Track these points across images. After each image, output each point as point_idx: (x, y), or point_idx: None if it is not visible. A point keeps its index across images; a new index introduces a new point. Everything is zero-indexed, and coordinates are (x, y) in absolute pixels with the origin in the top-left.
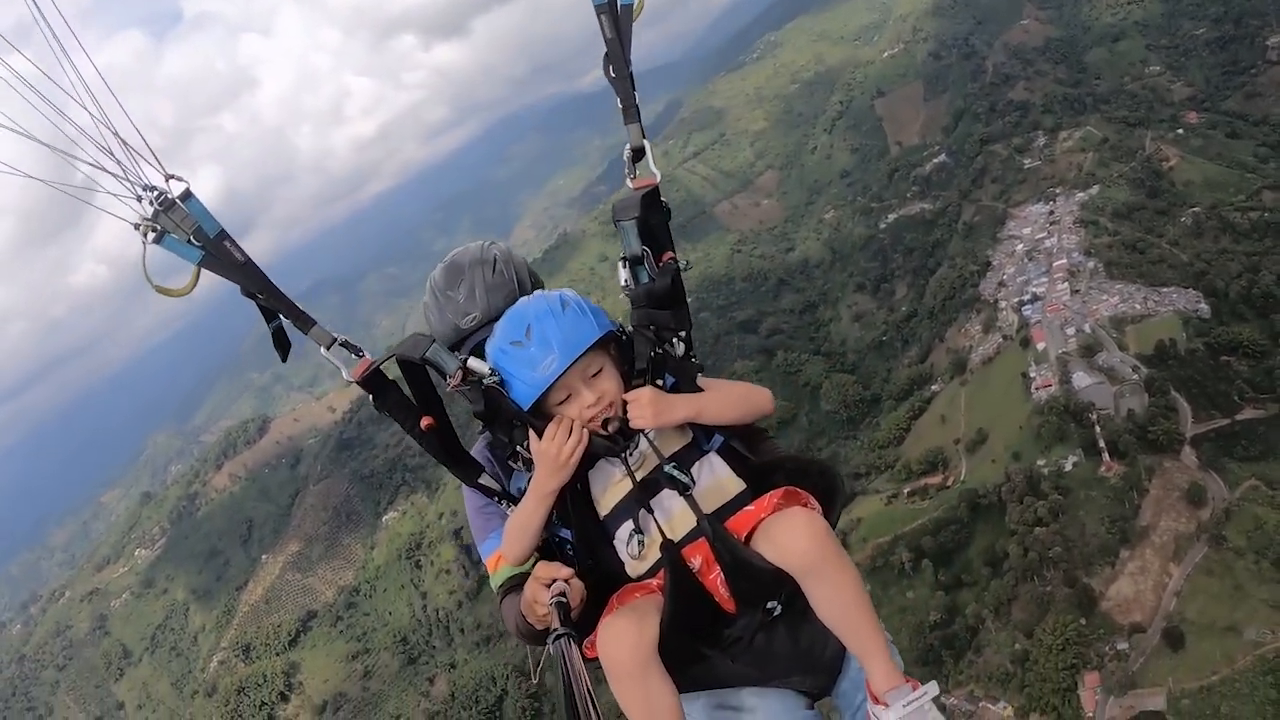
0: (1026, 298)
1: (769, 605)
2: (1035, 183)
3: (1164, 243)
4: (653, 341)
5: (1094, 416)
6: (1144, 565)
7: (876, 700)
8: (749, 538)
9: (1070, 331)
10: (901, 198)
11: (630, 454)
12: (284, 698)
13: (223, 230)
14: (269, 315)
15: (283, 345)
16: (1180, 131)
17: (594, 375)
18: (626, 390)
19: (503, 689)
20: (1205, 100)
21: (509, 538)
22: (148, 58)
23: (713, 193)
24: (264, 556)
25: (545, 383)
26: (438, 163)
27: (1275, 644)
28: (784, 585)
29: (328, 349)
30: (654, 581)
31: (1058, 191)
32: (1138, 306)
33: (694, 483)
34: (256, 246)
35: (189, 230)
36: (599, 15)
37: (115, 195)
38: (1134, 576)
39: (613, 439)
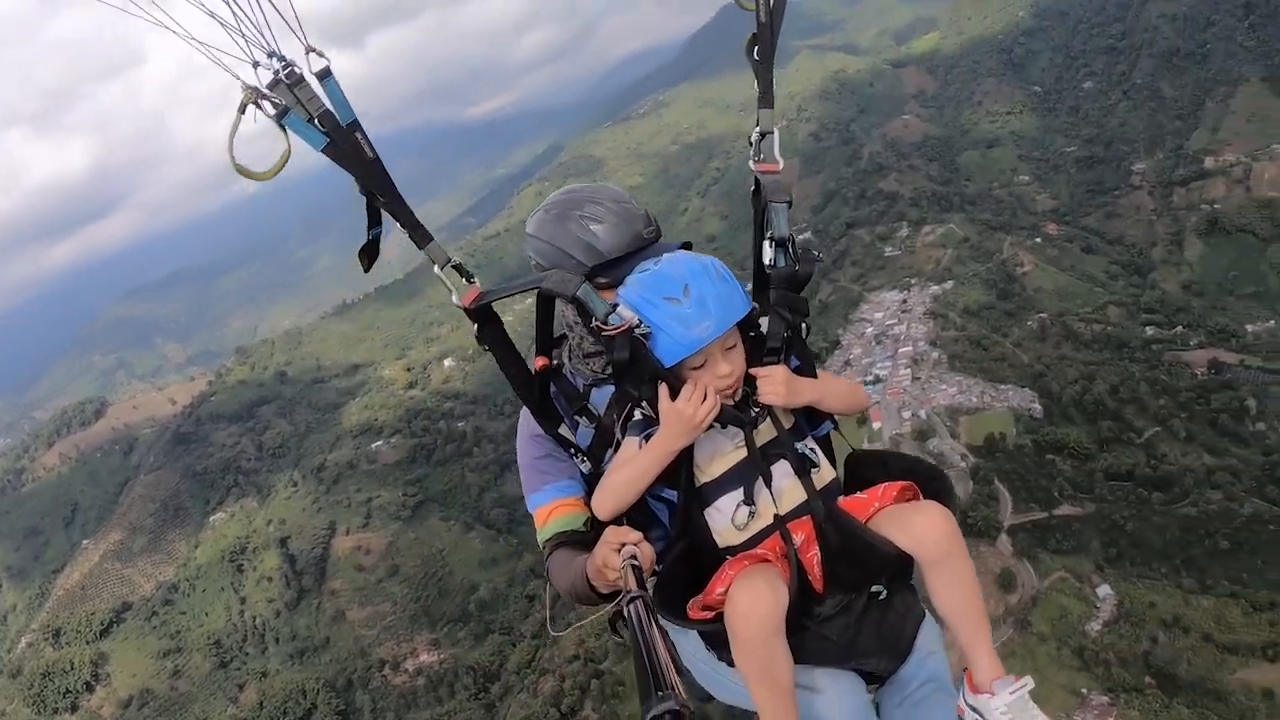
0: (869, 379)
1: (874, 589)
2: (893, 271)
3: (1008, 343)
4: (786, 322)
5: None
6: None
7: (978, 690)
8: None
9: (907, 415)
10: None
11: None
12: (89, 688)
13: (356, 120)
14: (373, 220)
15: (371, 255)
16: (1039, 240)
17: (730, 348)
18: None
19: (312, 703)
20: (1067, 214)
21: (611, 493)
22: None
23: None
24: (85, 542)
25: (697, 344)
26: (313, 170)
27: None
28: (888, 570)
29: (441, 269)
30: (759, 552)
31: (913, 282)
32: (974, 399)
33: (817, 463)
34: (121, 227)
35: (314, 112)
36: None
37: (233, 57)
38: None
39: (742, 410)
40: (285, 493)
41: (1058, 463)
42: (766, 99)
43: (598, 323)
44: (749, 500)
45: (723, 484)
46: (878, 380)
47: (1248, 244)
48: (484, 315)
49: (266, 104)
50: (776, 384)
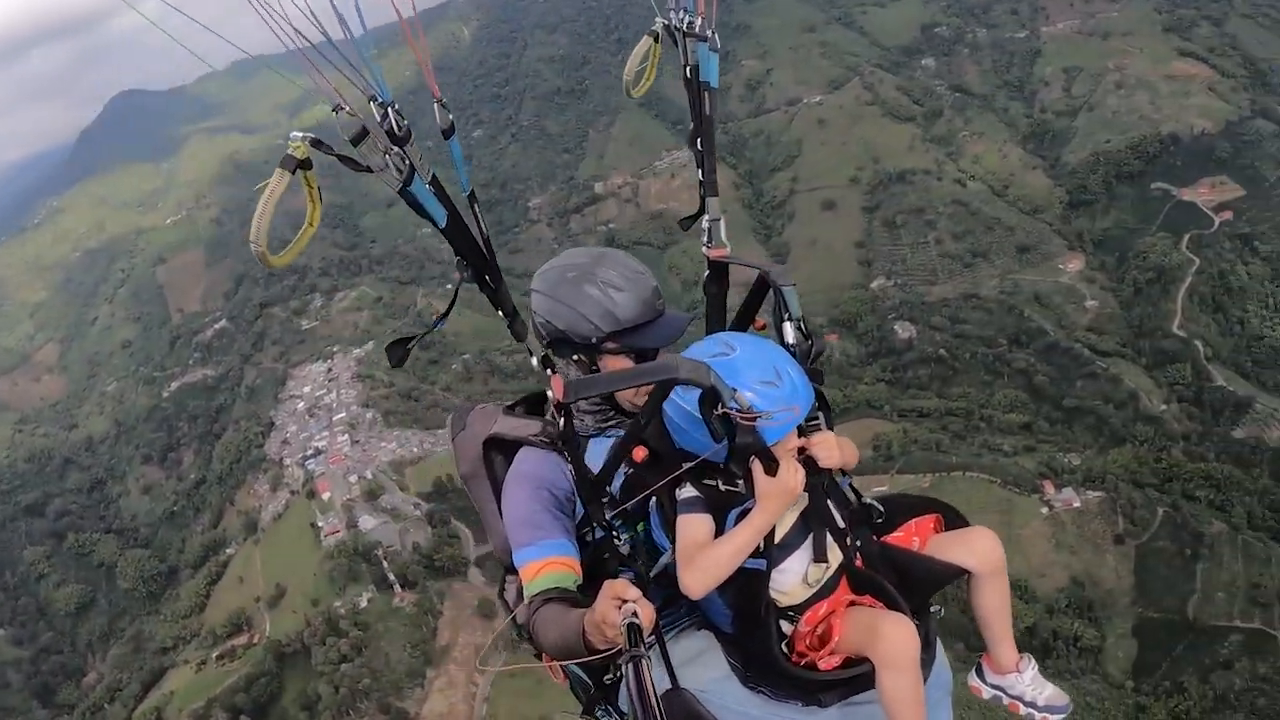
0: (310, 452)
1: (933, 608)
2: (314, 343)
3: (437, 389)
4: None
5: (381, 553)
6: (451, 680)
7: (1003, 671)
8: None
9: (353, 479)
10: (184, 365)
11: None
12: None
13: (473, 190)
14: (445, 312)
15: (404, 354)
16: (449, 287)
17: None
18: None
19: None
20: None
21: (709, 571)
22: None
23: None
24: None
25: (795, 424)
26: None
27: None
28: (943, 588)
29: (538, 361)
30: (848, 597)
31: (335, 350)
32: (415, 449)
33: (883, 514)
34: None
35: (424, 177)
36: (702, 93)
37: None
38: (444, 692)
39: (813, 475)
40: None
41: None
42: (712, 187)
43: (730, 410)
44: (821, 557)
45: (787, 547)
46: (319, 453)
47: (647, 254)
48: (570, 412)
49: (382, 158)
50: (832, 449)
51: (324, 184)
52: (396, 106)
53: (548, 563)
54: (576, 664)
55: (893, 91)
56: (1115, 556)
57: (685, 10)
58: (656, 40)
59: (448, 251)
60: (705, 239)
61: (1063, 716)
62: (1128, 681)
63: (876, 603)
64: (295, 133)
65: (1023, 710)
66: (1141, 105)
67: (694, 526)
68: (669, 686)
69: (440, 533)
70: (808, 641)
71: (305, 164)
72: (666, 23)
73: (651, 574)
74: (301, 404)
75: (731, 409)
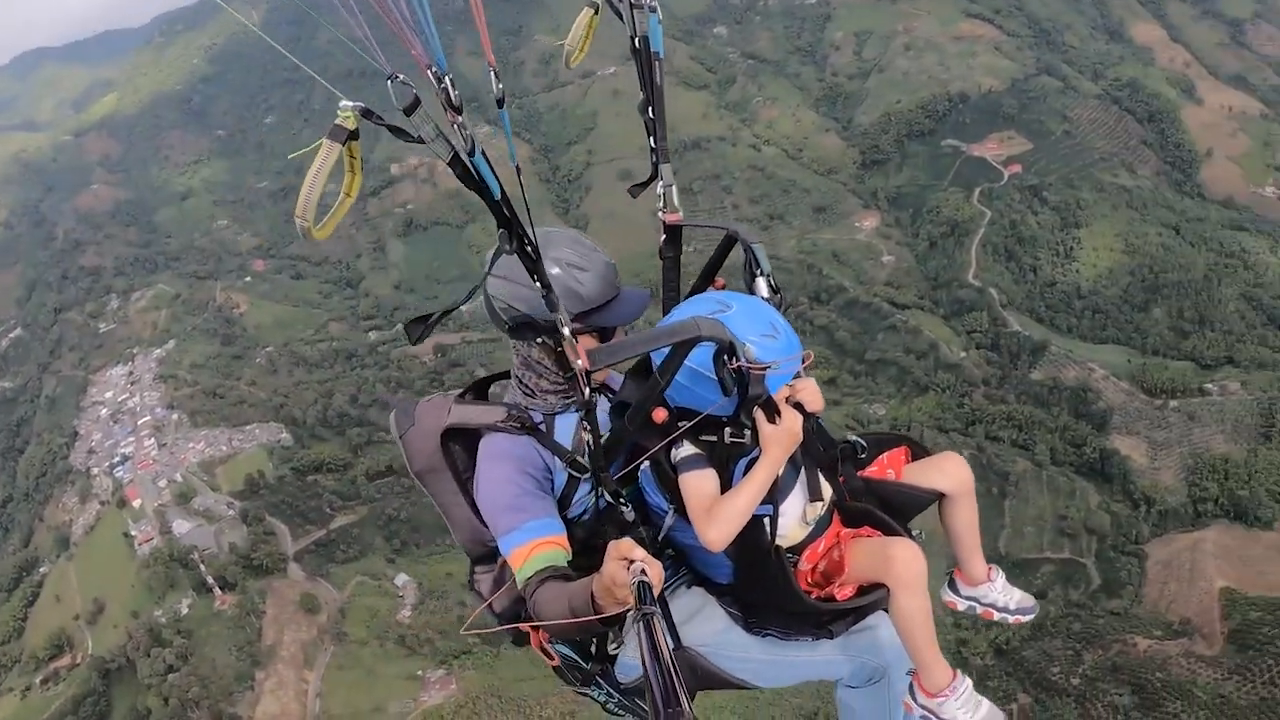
0: (117, 460)
1: (914, 532)
2: (113, 346)
3: (242, 384)
4: None
5: (198, 557)
6: (281, 680)
7: (975, 583)
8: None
9: (163, 484)
10: None
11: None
12: None
13: (518, 165)
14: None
15: (419, 330)
16: (249, 279)
17: None
18: None
19: None
20: (271, 248)
21: (730, 521)
22: None
23: None
24: None
25: (794, 374)
26: None
27: (418, 709)
28: (918, 513)
29: (570, 333)
30: (842, 531)
31: (135, 352)
32: (224, 448)
33: (865, 449)
34: None
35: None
36: (654, 62)
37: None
38: (275, 693)
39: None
40: None
41: (321, 481)
42: (664, 154)
43: (745, 364)
44: (816, 496)
45: (784, 490)
46: (126, 459)
47: (445, 234)
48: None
49: (433, 128)
50: (817, 394)
51: (109, 180)
52: (451, 76)
53: (537, 544)
54: (583, 630)
55: (686, 60)
56: None
57: None
58: (596, 11)
59: (245, 242)
60: (660, 204)
61: (1032, 616)
62: (946, 618)
63: (874, 532)
64: (345, 102)
65: (996, 616)
66: (930, 66)
67: (702, 482)
68: (674, 646)
69: (256, 530)
70: (810, 579)
71: (354, 135)
72: None
73: (660, 536)
74: (105, 410)
75: (743, 363)
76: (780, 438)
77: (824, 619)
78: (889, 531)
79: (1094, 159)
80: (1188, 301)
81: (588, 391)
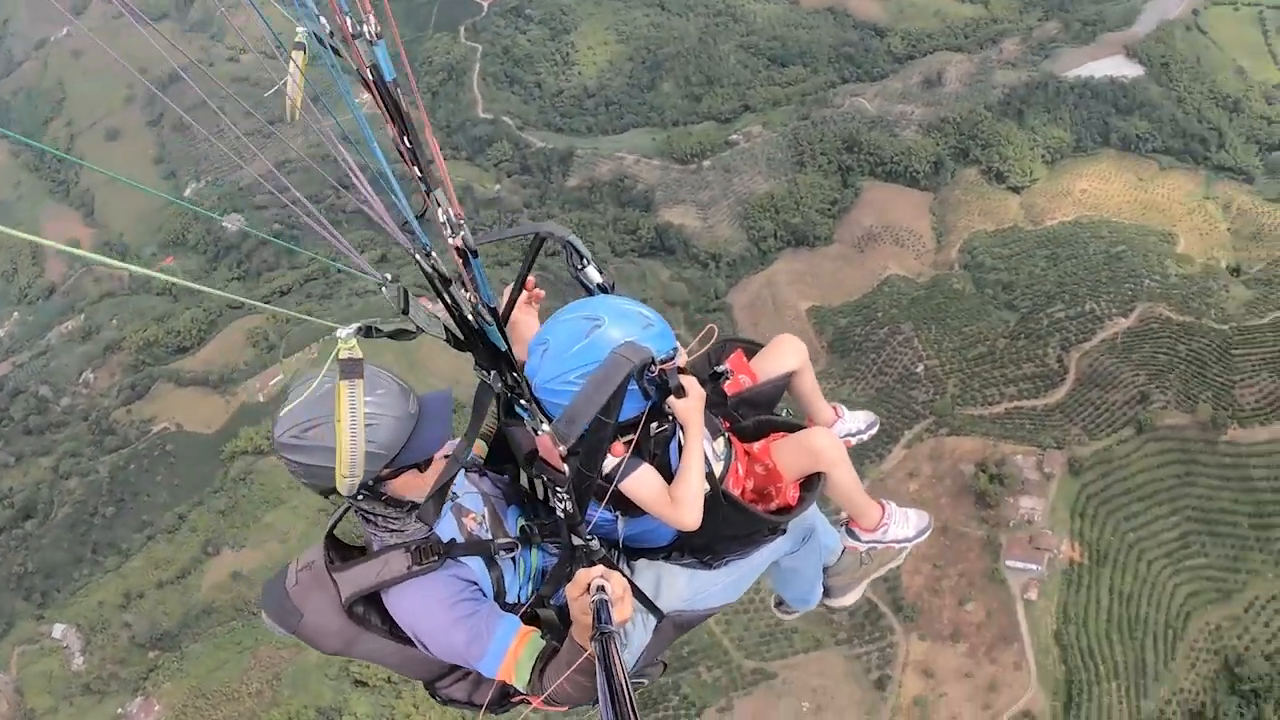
0: None
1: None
2: None
3: None
4: None
5: None
6: None
7: (830, 424)
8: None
9: None
10: None
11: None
12: None
13: (494, 305)
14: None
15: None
16: None
17: None
18: None
19: None
20: None
21: (696, 497)
22: None
23: None
24: None
25: (675, 350)
26: None
27: None
28: (780, 400)
29: (551, 436)
30: (745, 447)
31: None
32: None
33: (726, 371)
34: None
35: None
36: (392, 90)
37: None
38: None
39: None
40: None
41: None
42: (433, 179)
43: (666, 365)
44: (716, 434)
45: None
46: None
47: None
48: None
49: (427, 317)
50: (682, 350)
51: None
52: (432, 250)
53: (513, 651)
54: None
55: None
56: None
57: (343, 11)
58: (304, 51)
59: None
60: (448, 233)
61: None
62: None
63: (777, 434)
64: (342, 330)
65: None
66: None
67: (647, 478)
68: (656, 620)
69: None
70: (747, 499)
71: (356, 373)
72: (313, 31)
73: (620, 543)
74: None
75: (658, 368)
76: (695, 405)
77: (774, 521)
78: (791, 429)
79: None
80: (691, 68)
81: (579, 466)
